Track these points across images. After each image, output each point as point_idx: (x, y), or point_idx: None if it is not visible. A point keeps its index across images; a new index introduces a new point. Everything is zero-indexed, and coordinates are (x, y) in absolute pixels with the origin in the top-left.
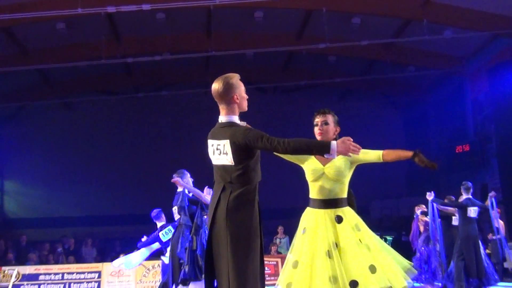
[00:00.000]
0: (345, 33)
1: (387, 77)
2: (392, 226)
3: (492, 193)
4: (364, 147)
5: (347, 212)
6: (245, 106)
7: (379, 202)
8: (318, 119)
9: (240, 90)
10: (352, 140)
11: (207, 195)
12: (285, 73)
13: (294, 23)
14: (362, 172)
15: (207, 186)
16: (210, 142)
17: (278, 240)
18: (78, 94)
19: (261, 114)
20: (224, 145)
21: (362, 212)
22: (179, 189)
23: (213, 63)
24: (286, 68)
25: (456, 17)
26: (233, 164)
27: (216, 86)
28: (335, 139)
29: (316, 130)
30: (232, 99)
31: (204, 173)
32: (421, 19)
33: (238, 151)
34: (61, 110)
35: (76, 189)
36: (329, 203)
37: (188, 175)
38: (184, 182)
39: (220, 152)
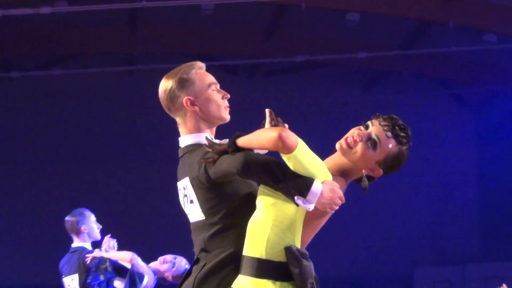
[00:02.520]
0: None
1: (449, 52)
2: None
3: None
4: (411, 168)
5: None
6: (215, 111)
7: (430, 270)
8: (369, 124)
9: (199, 86)
10: (341, 192)
11: (132, 256)
12: (270, 42)
13: None
14: (402, 219)
15: (109, 235)
16: (178, 185)
17: None
18: None
19: (229, 112)
20: (186, 186)
21: (401, 285)
22: (78, 244)
23: (144, 21)
24: (271, 34)
25: None
26: (204, 217)
27: (160, 88)
28: (360, 179)
29: (347, 139)
30: (182, 105)
31: (135, 213)
32: None
33: (203, 193)
34: None
35: None
36: None
37: (92, 217)
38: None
39: (188, 200)
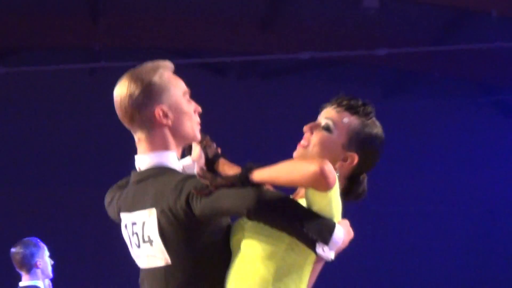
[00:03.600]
0: None
1: (491, 48)
2: None
3: None
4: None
5: None
6: (189, 127)
7: None
8: (319, 116)
9: (174, 94)
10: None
11: None
12: (268, 35)
13: None
14: (432, 259)
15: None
16: (122, 218)
17: None
18: None
19: (216, 121)
20: (143, 223)
21: None
22: (29, 282)
23: (109, 8)
24: (268, 25)
25: None
26: (170, 263)
27: (120, 92)
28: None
29: (300, 143)
30: (152, 116)
31: (96, 244)
32: None
33: (175, 231)
34: None
35: None
36: None
37: (46, 250)
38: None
39: (138, 240)
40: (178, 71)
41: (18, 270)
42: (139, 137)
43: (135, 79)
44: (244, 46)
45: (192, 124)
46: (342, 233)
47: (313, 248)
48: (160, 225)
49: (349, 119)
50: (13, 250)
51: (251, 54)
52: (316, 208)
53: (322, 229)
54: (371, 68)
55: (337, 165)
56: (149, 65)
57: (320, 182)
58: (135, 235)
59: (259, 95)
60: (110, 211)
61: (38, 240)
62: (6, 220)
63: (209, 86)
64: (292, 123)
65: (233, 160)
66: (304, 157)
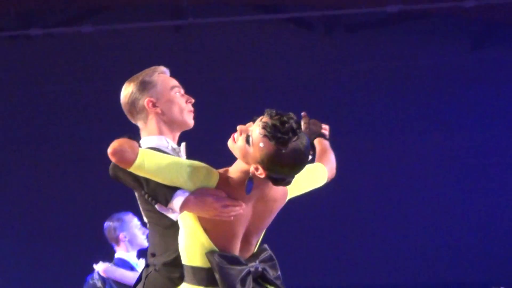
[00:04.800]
0: None
1: None
2: None
3: None
4: None
5: None
6: (178, 114)
7: None
8: (256, 118)
9: (161, 88)
10: (225, 200)
11: None
12: None
13: None
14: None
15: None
16: None
17: None
18: None
19: (303, 76)
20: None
21: None
22: (120, 254)
23: None
24: None
25: None
26: (147, 221)
27: (122, 94)
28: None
29: (234, 135)
30: (143, 107)
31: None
32: None
33: (138, 196)
34: None
35: None
36: None
37: (135, 221)
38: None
39: None
40: (264, 27)
41: (110, 243)
42: (140, 127)
43: (130, 81)
44: (330, 0)
45: (182, 111)
46: (181, 200)
47: (154, 206)
48: (138, 196)
49: (264, 145)
50: (104, 225)
51: (338, 7)
52: (156, 178)
53: (160, 194)
54: (460, 20)
55: (251, 170)
56: (145, 70)
57: (116, 161)
58: None
59: (346, 50)
60: None
61: (127, 214)
62: (108, 186)
63: (296, 40)
64: (379, 77)
65: (322, 110)
66: (232, 149)
